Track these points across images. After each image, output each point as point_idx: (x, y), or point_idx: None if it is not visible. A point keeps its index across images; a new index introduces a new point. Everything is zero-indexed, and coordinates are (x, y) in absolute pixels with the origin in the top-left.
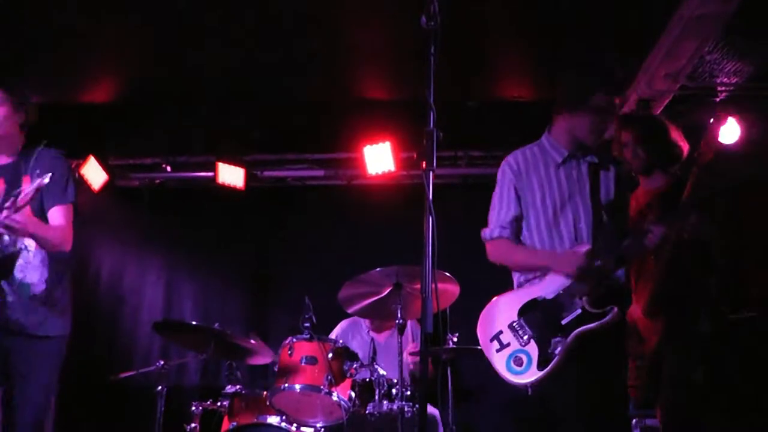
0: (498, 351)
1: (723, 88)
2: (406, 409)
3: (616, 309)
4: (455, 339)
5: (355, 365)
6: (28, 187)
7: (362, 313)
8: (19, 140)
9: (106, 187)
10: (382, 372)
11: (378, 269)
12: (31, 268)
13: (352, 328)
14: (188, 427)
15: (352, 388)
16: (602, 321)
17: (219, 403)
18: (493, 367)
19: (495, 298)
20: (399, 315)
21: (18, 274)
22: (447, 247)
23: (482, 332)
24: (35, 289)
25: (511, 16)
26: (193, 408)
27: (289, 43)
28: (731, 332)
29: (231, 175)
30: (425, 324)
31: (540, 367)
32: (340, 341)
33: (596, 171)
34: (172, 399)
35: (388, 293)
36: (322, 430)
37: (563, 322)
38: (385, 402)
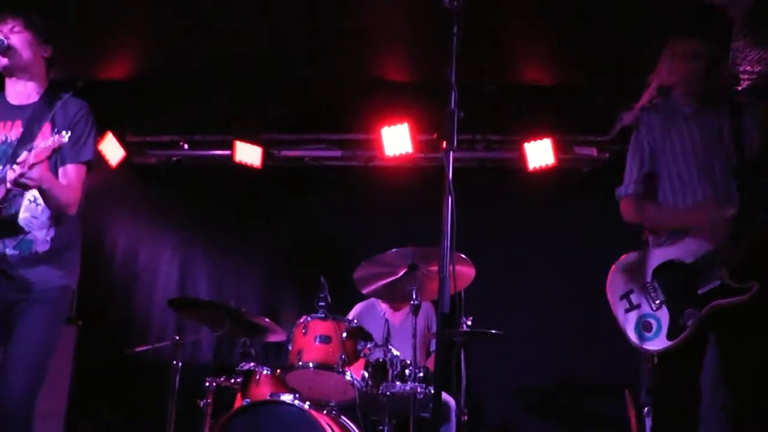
0: (627, 311)
1: (746, 77)
2: (418, 390)
3: (756, 286)
4: (469, 322)
5: (369, 345)
6: (44, 143)
7: (377, 294)
8: (44, 78)
9: (123, 163)
10: (395, 353)
11: (394, 250)
12: (37, 224)
13: (367, 311)
14: (201, 402)
15: (366, 368)
16: (741, 297)
17: (232, 380)
18: (620, 327)
19: (629, 254)
20: (414, 296)
21: (23, 228)
22: (463, 231)
23: (612, 288)
24: (38, 247)
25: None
26: (207, 384)
27: (310, 22)
28: None
29: (248, 153)
30: (442, 304)
31: (670, 336)
32: (355, 321)
33: (735, 120)
34: (186, 375)
35: (404, 274)
36: (335, 408)
37: (699, 291)
38: (398, 383)
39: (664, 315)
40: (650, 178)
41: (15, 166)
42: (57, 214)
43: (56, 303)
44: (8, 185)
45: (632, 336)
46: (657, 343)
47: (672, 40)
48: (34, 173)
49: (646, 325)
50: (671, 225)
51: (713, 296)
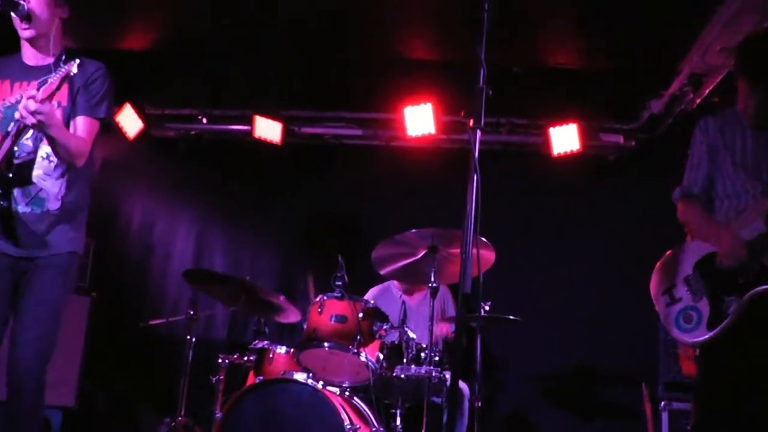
0: (668, 305)
1: None
2: (433, 374)
3: None
4: (487, 307)
5: (384, 326)
6: (55, 75)
7: (395, 275)
8: (61, 39)
9: (141, 136)
10: (411, 335)
11: (414, 230)
12: (50, 181)
13: (383, 294)
14: (214, 378)
15: (381, 350)
16: None
17: (246, 358)
18: (662, 322)
19: (673, 249)
20: (432, 278)
21: (35, 185)
22: (484, 215)
23: (655, 285)
24: (50, 205)
25: None
26: (220, 360)
27: None
28: None
29: (268, 129)
30: (463, 284)
31: (710, 326)
32: (371, 302)
33: None
34: (199, 350)
35: (423, 256)
36: (348, 389)
37: (741, 281)
38: (413, 366)
39: (704, 306)
40: (708, 182)
41: (27, 101)
42: (68, 166)
43: (66, 269)
44: (17, 116)
45: (672, 330)
46: (697, 334)
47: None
48: (45, 107)
49: (687, 317)
50: (698, 235)
51: (754, 282)
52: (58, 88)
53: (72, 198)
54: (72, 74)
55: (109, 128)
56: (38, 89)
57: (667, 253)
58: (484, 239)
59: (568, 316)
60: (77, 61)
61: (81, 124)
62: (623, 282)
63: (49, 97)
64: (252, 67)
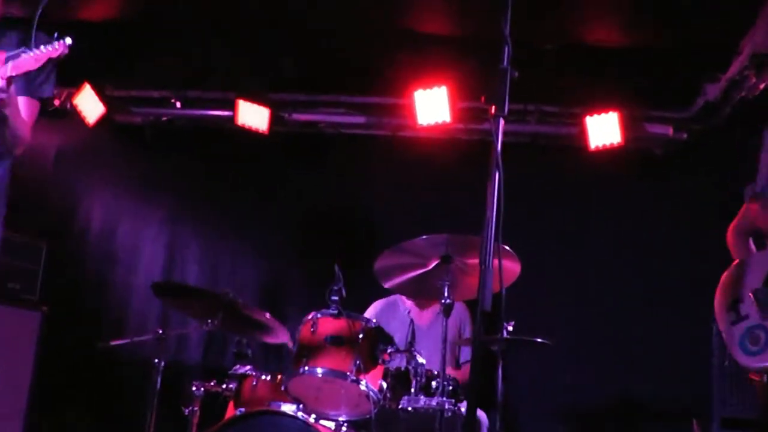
0: (733, 324)
1: None
2: (446, 406)
3: None
4: (510, 328)
5: (389, 350)
6: (36, 51)
7: (401, 289)
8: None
9: (102, 121)
10: (421, 360)
11: (424, 237)
12: None
13: (388, 310)
14: (186, 410)
15: (384, 378)
16: None
17: (224, 385)
18: (726, 344)
19: (740, 259)
20: (446, 294)
21: None
22: (508, 219)
23: (719, 300)
24: None
25: None
26: (194, 388)
27: None
28: None
29: (253, 115)
30: (483, 302)
31: None
32: (374, 320)
33: None
34: (170, 376)
35: (434, 267)
36: (345, 424)
37: None
38: (421, 396)
39: None
40: None
41: None
42: (5, 151)
43: None
44: None
45: (737, 353)
46: (764, 358)
47: None
48: (12, 87)
49: (753, 337)
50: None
51: None
52: (42, 69)
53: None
54: (63, 53)
55: (50, 108)
56: (5, 63)
57: (734, 263)
58: (507, 248)
59: (605, 339)
60: (68, 40)
61: (24, 107)
62: (672, 299)
63: (18, 76)
64: (235, 42)
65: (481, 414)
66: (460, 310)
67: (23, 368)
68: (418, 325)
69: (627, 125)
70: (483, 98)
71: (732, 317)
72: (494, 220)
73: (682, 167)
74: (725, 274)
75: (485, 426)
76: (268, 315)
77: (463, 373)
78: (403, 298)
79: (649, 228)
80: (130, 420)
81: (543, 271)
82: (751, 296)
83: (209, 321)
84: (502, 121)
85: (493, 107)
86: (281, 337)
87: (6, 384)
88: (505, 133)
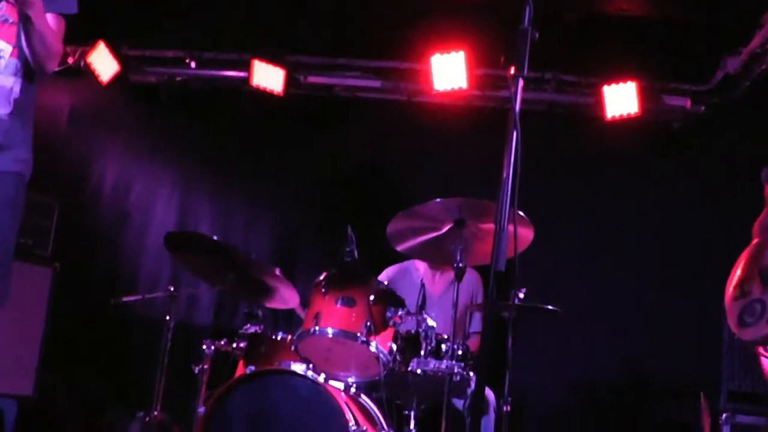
0: (735, 299)
1: None
2: (456, 370)
3: None
4: (522, 295)
5: (400, 312)
6: None
7: (414, 252)
8: None
9: (117, 80)
10: (431, 323)
11: (437, 200)
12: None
13: (401, 276)
14: (197, 368)
15: (394, 340)
16: None
17: (234, 344)
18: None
19: (760, 238)
20: (458, 258)
21: None
22: (523, 186)
23: (732, 277)
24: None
25: None
26: (204, 347)
27: None
28: None
29: (268, 77)
30: (496, 262)
31: None
32: (385, 283)
33: None
34: (180, 335)
35: (448, 231)
36: (355, 385)
37: None
38: (431, 360)
39: None
40: None
41: None
42: (25, 66)
43: (14, 198)
44: None
45: (734, 327)
46: (755, 330)
47: None
48: None
49: (750, 309)
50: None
51: None
52: None
53: (23, 106)
54: None
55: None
56: None
57: (754, 241)
58: (521, 214)
59: (617, 310)
60: None
61: (52, 24)
62: (684, 274)
63: None
64: (251, 2)
65: (488, 393)
66: (473, 279)
67: (35, 324)
68: (429, 293)
69: (644, 96)
70: (502, 59)
71: (737, 293)
72: (510, 183)
73: (700, 141)
74: (745, 251)
75: (492, 405)
76: (278, 271)
77: (473, 344)
78: (417, 264)
79: (664, 201)
80: (141, 376)
81: (556, 239)
82: (759, 273)
83: (221, 282)
84: (521, 82)
85: (513, 68)
86: (291, 302)
87: (18, 340)
88: (522, 101)
